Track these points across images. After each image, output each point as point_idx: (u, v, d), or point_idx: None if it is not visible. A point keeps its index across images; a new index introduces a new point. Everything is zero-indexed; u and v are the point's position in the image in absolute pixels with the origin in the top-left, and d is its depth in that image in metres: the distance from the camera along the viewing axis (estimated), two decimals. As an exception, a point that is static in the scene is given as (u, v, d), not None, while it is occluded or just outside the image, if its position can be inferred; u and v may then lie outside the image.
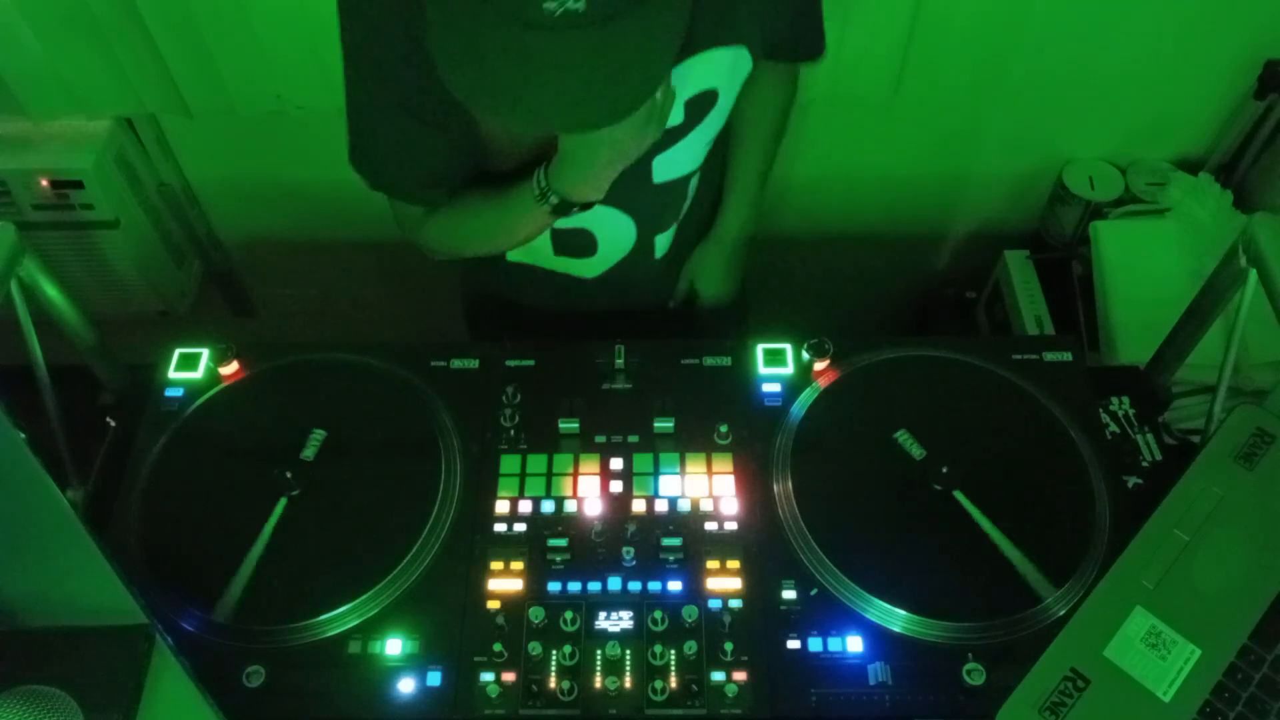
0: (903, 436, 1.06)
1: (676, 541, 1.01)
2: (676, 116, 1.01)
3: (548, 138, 0.98)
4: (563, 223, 1.06)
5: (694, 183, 1.16)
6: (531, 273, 1.22)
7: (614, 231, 1.15)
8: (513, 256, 1.20)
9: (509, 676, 0.93)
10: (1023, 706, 0.89)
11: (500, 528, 1.03)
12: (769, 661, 0.94)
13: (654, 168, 1.07)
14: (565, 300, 1.26)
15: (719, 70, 1.00)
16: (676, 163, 1.09)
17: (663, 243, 1.21)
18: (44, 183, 1.51)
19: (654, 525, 1.03)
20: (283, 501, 1.03)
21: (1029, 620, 0.96)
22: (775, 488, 1.05)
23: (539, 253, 1.18)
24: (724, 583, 0.99)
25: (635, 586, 0.99)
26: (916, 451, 1.05)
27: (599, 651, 0.94)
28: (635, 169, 1.02)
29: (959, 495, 1.02)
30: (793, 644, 0.95)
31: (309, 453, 1.06)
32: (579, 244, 1.16)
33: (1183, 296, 1.17)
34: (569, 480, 1.06)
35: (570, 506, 1.04)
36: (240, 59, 1.43)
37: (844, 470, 1.06)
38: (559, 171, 0.97)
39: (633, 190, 1.07)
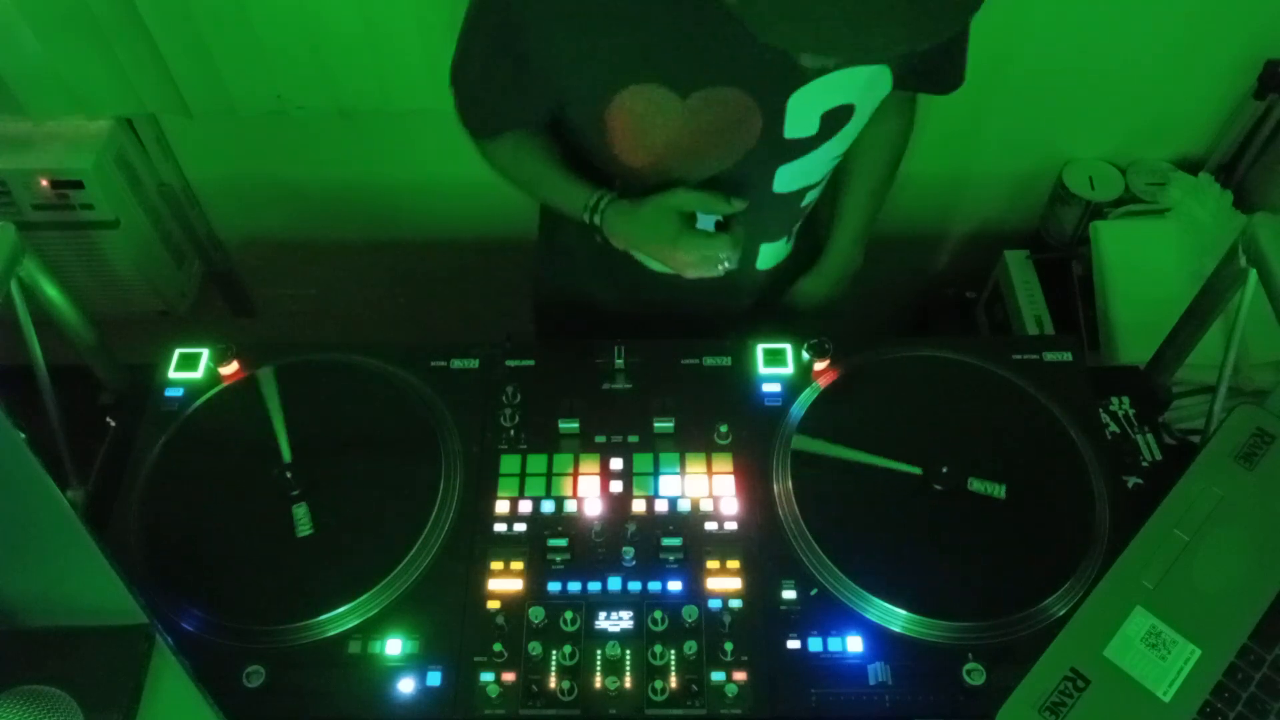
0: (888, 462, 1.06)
1: (676, 541, 1.01)
2: (810, 128, 1.00)
3: (658, 157, 0.99)
4: None
5: (811, 198, 1.15)
6: (629, 267, 1.19)
7: None
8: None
9: (509, 676, 0.93)
10: (1023, 706, 0.89)
11: (500, 528, 1.03)
12: (769, 661, 0.94)
13: (776, 177, 1.06)
14: (652, 299, 1.23)
15: (857, 86, 0.99)
16: (801, 175, 1.07)
17: (767, 254, 1.20)
18: (44, 183, 1.51)
19: (654, 525, 1.03)
20: (281, 501, 1.03)
21: (1029, 620, 0.96)
22: (775, 488, 1.05)
23: None
24: (724, 583, 0.99)
25: (635, 586, 0.99)
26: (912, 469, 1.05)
27: (599, 651, 0.94)
28: (758, 177, 1.04)
29: (959, 495, 1.02)
30: (793, 644, 0.95)
31: (285, 452, 1.05)
32: None
33: (1183, 296, 1.17)
34: (569, 480, 1.06)
35: (570, 506, 1.04)
36: (240, 59, 1.43)
37: (844, 470, 1.06)
38: (615, 214, 1.05)
39: (750, 196, 1.06)
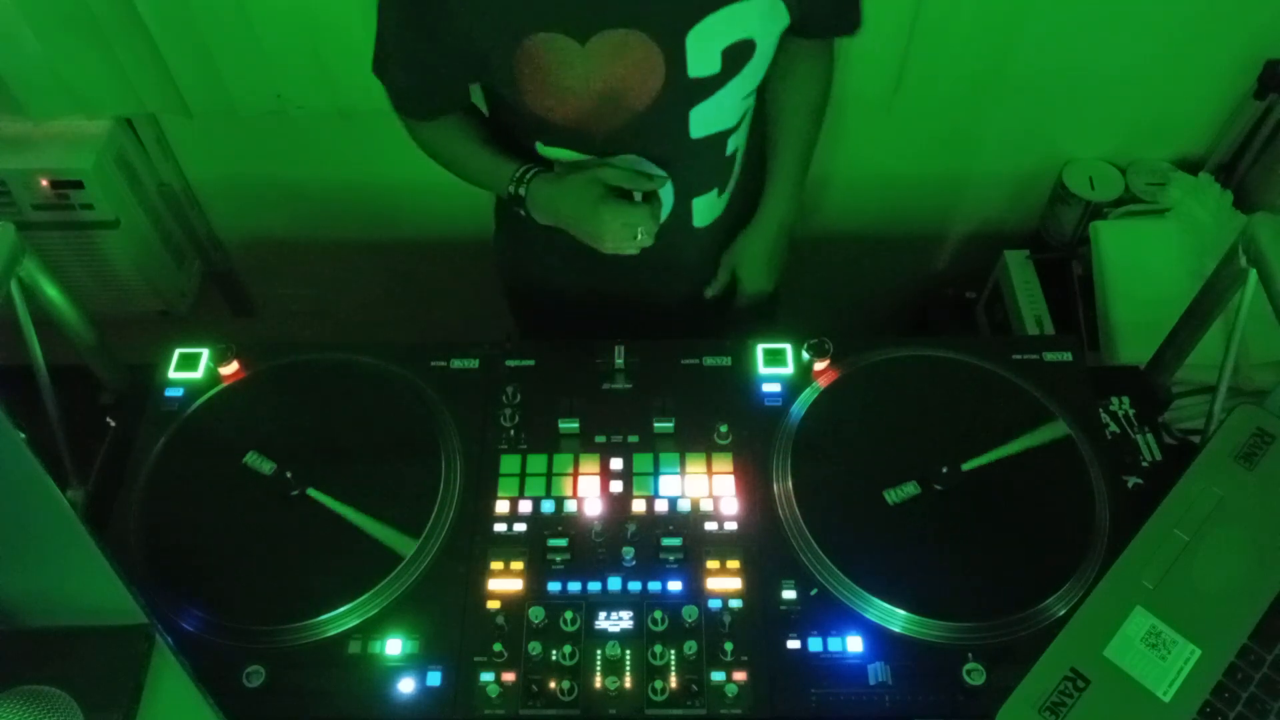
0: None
1: (676, 541, 1.01)
2: (713, 66, 1.01)
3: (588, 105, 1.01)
4: None
5: (734, 146, 1.15)
6: (569, 244, 1.19)
7: None
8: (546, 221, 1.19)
9: (509, 676, 0.93)
10: (1023, 706, 0.89)
11: (500, 528, 1.03)
12: (769, 661, 0.94)
13: (691, 120, 1.06)
14: (602, 276, 1.24)
15: (754, 19, 1.00)
16: (714, 117, 1.08)
17: (701, 209, 1.20)
18: (44, 183, 1.51)
19: (654, 525, 1.03)
20: (282, 501, 1.03)
21: (1029, 620, 0.96)
22: (775, 488, 1.05)
23: None
24: (724, 583, 0.99)
25: (635, 586, 0.99)
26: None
27: (599, 651, 0.94)
28: (672, 121, 1.05)
29: (959, 495, 1.02)
30: (793, 644, 0.95)
31: (266, 468, 1.05)
32: None
33: (1183, 296, 1.17)
34: (569, 480, 1.06)
35: (570, 506, 1.04)
36: (240, 59, 1.43)
37: (844, 470, 1.06)
38: (539, 184, 1.08)
39: (669, 144, 1.07)
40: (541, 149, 1.09)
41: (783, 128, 1.23)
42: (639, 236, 1.06)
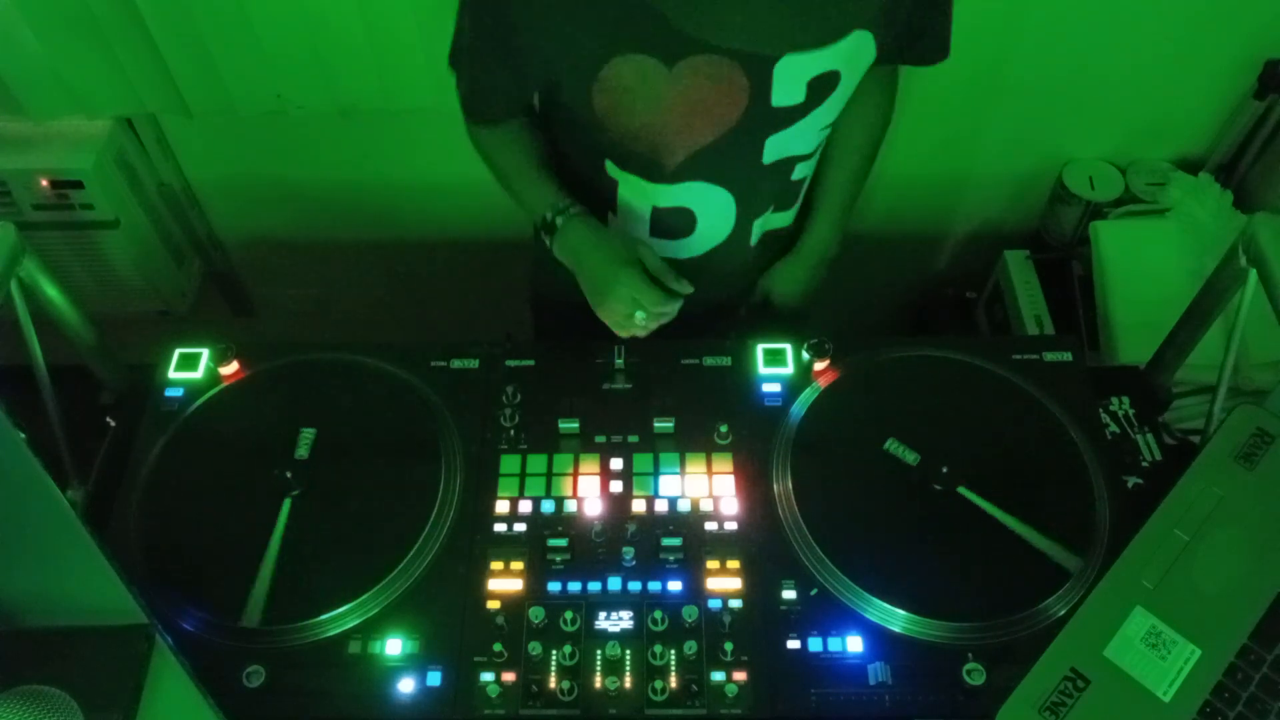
0: (893, 445, 1.06)
1: (676, 541, 1.01)
2: (797, 96, 1.00)
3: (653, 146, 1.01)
4: (663, 200, 1.09)
5: (802, 173, 1.14)
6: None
7: (715, 210, 1.13)
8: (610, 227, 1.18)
9: (509, 676, 0.93)
10: (1023, 706, 0.89)
11: (500, 528, 1.03)
12: (769, 661, 0.94)
13: (766, 147, 1.05)
14: None
15: (842, 52, 0.98)
16: (790, 144, 1.07)
17: (759, 230, 1.19)
18: (44, 183, 1.51)
19: (654, 525, 1.03)
20: (285, 502, 1.03)
21: (1029, 620, 0.96)
22: (775, 488, 1.05)
23: (634, 233, 1.16)
24: (724, 583, 0.99)
25: (635, 586, 0.99)
26: (910, 458, 1.05)
27: (599, 651, 0.94)
28: (747, 147, 1.04)
29: (959, 495, 1.02)
30: (793, 644, 0.95)
31: (302, 451, 1.06)
32: (678, 224, 1.14)
33: (1183, 296, 1.17)
34: (569, 480, 1.06)
35: (570, 506, 1.04)
36: (240, 59, 1.43)
37: (844, 470, 1.06)
38: (580, 223, 1.08)
39: (741, 168, 1.06)
40: (610, 169, 1.09)
41: (837, 161, 1.21)
42: (639, 318, 1.04)
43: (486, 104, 1.09)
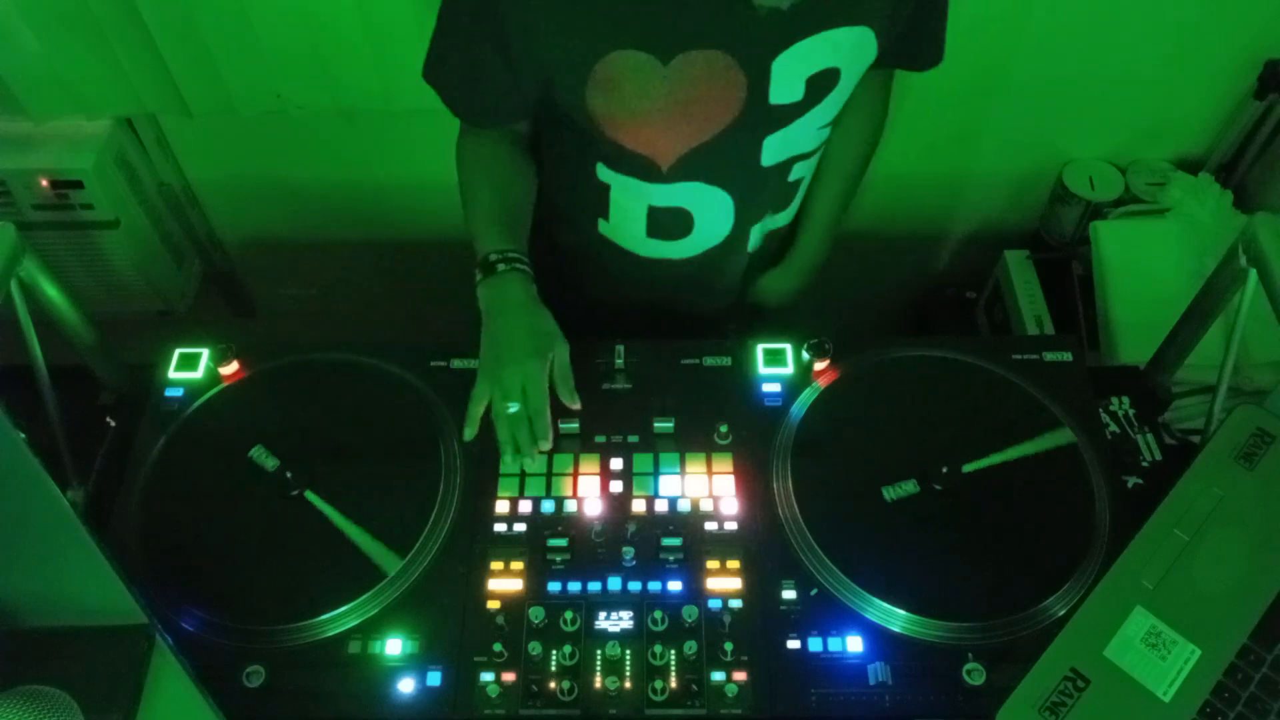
0: (890, 445, 1.06)
1: (676, 541, 1.01)
2: (795, 93, 0.98)
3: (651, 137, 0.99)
4: (660, 200, 1.08)
5: (800, 174, 1.13)
6: (617, 256, 1.18)
7: (713, 212, 1.12)
8: (603, 231, 1.17)
9: (509, 676, 0.93)
10: (1023, 706, 0.89)
11: (500, 528, 1.03)
12: (769, 661, 0.94)
13: (764, 148, 1.04)
14: (644, 290, 1.22)
15: (844, 48, 0.97)
16: (789, 144, 1.05)
17: (757, 235, 1.18)
18: (44, 183, 1.51)
19: (654, 525, 1.02)
20: (285, 502, 1.03)
21: (1029, 620, 0.96)
22: (775, 488, 1.05)
23: (629, 234, 1.16)
24: (724, 583, 0.99)
25: (635, 586, 0.99)
26: (907, 458, 1.05)
27: (599, 651, 0.94)
28: (745, 147, 1.03)
29: (959, 495, 1.02)
30: (793, 644, 0.95)
31: (270, 464, 1.05)
32: (675, 224, 1.13)
33: (1183, 296, 1.17)
34: (569, 480, 1.06)
35: (570, 506, 1.04)
36: (240, 59, 1.43)
37: (844, 470, 1.06)
38: (517, 279, 1.05)
39: (740, 170, 1.05)
40: (602, 172, 1.08)
41: (829, 168, 1.20)
42: (511, 408, 1.01)
43: (483, 103, 1.07)
